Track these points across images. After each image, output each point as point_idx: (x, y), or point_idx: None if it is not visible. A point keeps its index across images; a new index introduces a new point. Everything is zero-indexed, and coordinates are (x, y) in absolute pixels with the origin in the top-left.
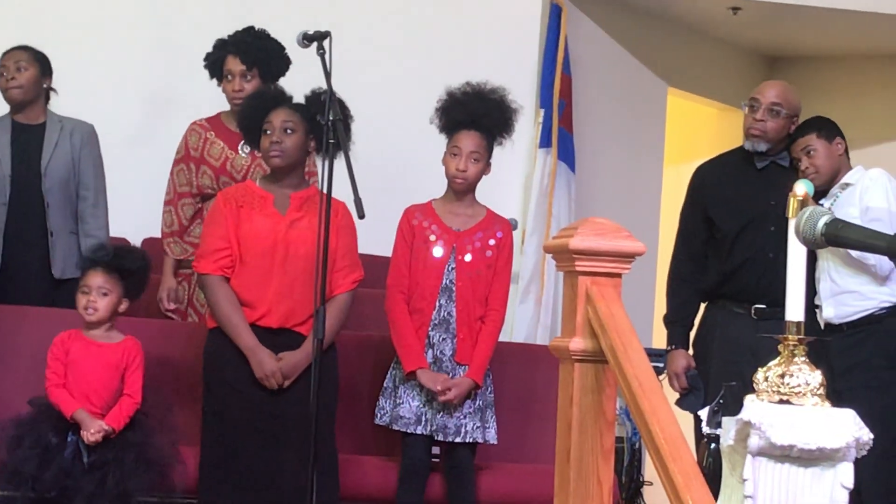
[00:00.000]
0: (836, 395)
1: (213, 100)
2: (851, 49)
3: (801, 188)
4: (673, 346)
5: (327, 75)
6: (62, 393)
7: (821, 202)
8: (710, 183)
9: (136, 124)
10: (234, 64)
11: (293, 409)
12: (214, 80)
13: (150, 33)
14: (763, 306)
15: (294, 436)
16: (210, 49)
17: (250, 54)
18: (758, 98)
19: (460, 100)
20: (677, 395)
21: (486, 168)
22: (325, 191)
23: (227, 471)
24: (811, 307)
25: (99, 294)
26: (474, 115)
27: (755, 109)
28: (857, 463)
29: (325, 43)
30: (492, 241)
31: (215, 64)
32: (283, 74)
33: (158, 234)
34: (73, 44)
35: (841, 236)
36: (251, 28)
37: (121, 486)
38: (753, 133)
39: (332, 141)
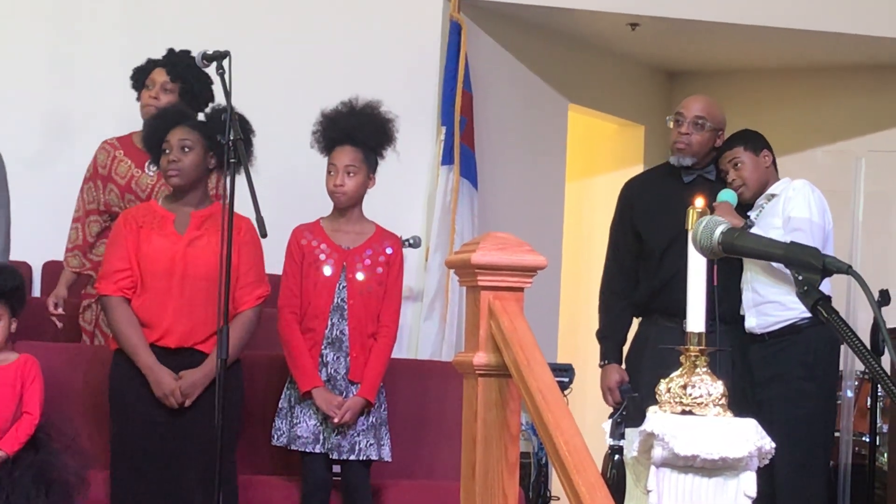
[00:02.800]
0: (757, 405)
1: (115, 122)
2: (749, 63)
3: (701, 201)
4: (606, 361)
5: (227, 94)
6: None
7: (748, 213)
8: (637, 198)
9: (37, 147)
10: (158, 74)
11: (197, 429)
12: (116, 102)
13: (50, 53)
14: None
15: (197, 456)
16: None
17: (177, 68)
18: (682, 112)
19: (332, 118)
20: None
21: (369, 181)
22: (226, 209)
23: (136, 493)
24: (742, 316)
25: None
26: (347, 130)
27: (680, 123)
28: (774, 472)
29: (225, 62)
30: (381, 258)
31: (142, 74)
32: (203, 104)
33: (60, 258)
34: None
35: (737, 245)
36: (186, 51)
37: None
38: (679, 147)
39: (233, 160)
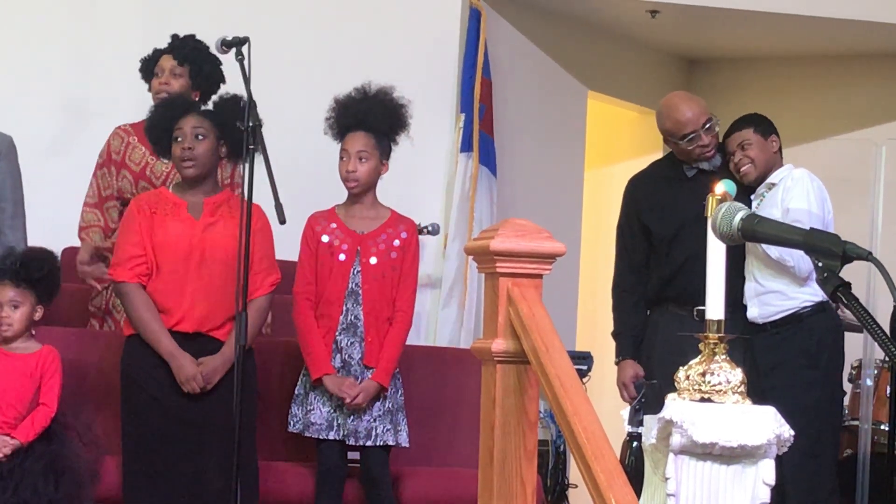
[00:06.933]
0: (761, 394)
1: (133, 108)
2: (768, 51)
3: (721, 187)
4: (621, 357)
5: (246, 81)
6: None
7: (750, 197)
8: (642, 192)
9: (54, 134)
10: (166, 61)
11: (214, 415)
12: (133, 87)
13: (66, 42)
14: (704, 308)
15: (215, 442)
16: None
17: (183, 52)
18: (692, 130)
19: (345, 104)
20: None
21: (382, 167)
22: (245, 196)
23: (150, 479)
24: (744, 305)
25: (11, 308)
26: (358, 116)
27: (697, 138)
28: (781, 461)
29: (244, 49)
30: (396, 242)
31: (149, 64)
32: (215, 85)
33: (78, 243)
34: None
35: (757, 231)
36: (191, 36)
37: (32, 494)
38: (707, 156)
39: (251, 146)
